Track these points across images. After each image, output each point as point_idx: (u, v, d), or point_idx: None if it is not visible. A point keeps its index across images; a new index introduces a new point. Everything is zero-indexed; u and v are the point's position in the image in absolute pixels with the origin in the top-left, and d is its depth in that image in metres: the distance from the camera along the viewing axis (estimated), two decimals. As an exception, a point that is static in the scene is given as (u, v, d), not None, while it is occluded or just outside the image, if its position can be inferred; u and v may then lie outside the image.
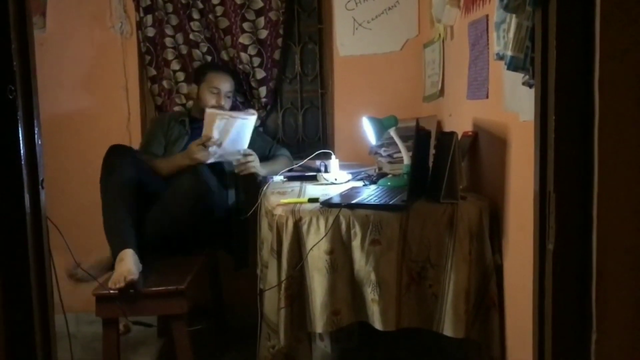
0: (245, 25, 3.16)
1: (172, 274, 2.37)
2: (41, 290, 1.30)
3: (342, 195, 2.27)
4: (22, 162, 1.23)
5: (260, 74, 3.20)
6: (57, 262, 1.49)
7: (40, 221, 1.28)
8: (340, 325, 2.04)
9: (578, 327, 1.29)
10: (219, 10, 3.16)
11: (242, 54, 3.17)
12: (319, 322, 2.01)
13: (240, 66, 3.18)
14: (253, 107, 3.22)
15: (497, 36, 1.77)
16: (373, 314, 2.01)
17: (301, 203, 2.12)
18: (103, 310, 2.25)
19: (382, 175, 2.66)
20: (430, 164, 2.29)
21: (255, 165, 2.84)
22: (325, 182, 2.65)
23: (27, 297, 1.26)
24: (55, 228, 1.54)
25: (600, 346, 1.25)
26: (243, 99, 3.25)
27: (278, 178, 2.77)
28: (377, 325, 2.01)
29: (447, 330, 2.01)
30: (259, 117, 3.27)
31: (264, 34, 3.19)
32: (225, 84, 2.98)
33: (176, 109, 3.25)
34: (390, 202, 2.09)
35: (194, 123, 2.98)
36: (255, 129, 2.94)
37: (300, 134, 3.39)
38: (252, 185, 2.89)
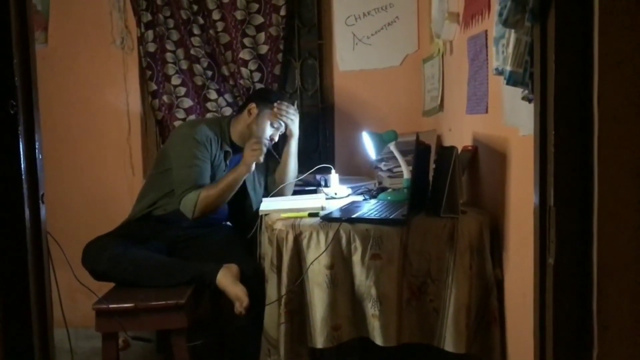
0: (246, 41, 3.18)
1: (172, 287, 2.36)
2: (41, 305, 1.29)
3: (342, 209, 2.27)
4: (23, 177, 1.23)
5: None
6: (56, 277, 1.49)
7: (40, 236, 1.28)
8: (340, 340, 2.03)
9: (579, 342, 1.28)
10: (220, 25, 3.18)
11: (243, 69, 3.18)
12: (319, 337, 2.00)
13: (241, 81, 3.20)
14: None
15: (496, 51, 1.78)
16: (374, 329, 2.00)
17: (301, 217, 2.12)
18: (102, 325, 2.24)
19: (382, 189, 2.66)
20: (431, 179, 2.29)
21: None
22: (326, 196, 2.65)
23: (26, 312, 1.26)
24: (56, 243, 1.53)
25: (602, 361, 1.25)
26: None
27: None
28: (378, 340, 2.00)
29: (448, 345, 2.00)
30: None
31: (264, 49, 3.20)
32: (287, 121, 2.73)
33: (177, 124, 3.25)
34: (391, 217, 2.08)
35: (234, 152, 2.73)
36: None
37: (300, 149, 3.38)
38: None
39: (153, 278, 2.39)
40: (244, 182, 2.65)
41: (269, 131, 2.68)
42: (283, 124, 2.71)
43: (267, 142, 2.67)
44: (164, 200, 2.63)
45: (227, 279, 2.32)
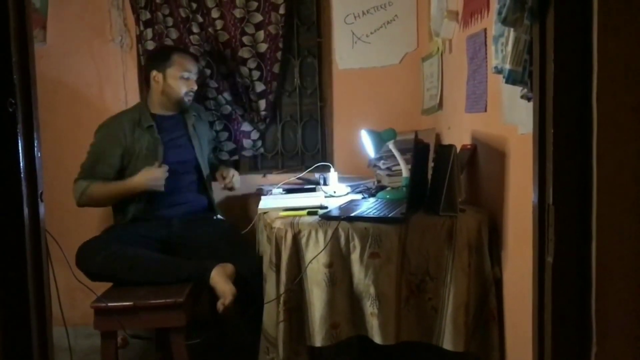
0: (245, 39, 3.18)
1: (170, 286, 2.36)
2: (39, 303, 1.29)
3: (341, 208, 2.27)
4: (22, 175, 1.23)
5: (259, 87, 3.21)
6: (55, 275, 1.49)
7: (39, 234, 1.28)
8: (339, 339, 2.03)
9: (578, 341, 1.28)
10: (219, 24, 3.17)
11: (242, 68, 3.18)
12: (318, 335, 2.00)
13: (240, 79, 3.19)
14: (252, 120, 3.23)
15: (495, 50, 1.78)
16: (372, 327, 2.00)
17: (300, 216, 2.12)
18: (101, 323, 2.24)
19: (381, 187, 2.66)
20: (429, 177, 2.29)
21: (237, 179, 2.85)
22: (324, 194, 2.66)
23: (25, 310, 1.26)
24: (54, 241, 1.53)
25: (600, 359, 1.25)
26: (242, 112, 3.25)
27: (277, 191, 2.76)
28: (377, 339, 2.00)
29: (447, 343, 2.00)
30: (258, 130, 3.28)
31: (263, 47, 3.20)
32: (195, 67, 2.82)
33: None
34: (389, 215, 2.09)
35: (162, 122, 2.79)
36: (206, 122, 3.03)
37: (299, 147, 3.39)
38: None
39: (148, 276, 2.40)
40: (191, 144, 2.83)
41: (183, 86, 2.75)
42: (193, 70, 2.78)
43: (189, 95, 2.78)
44: (137, 205, 2.69)
45: (219, 277, 2.35)
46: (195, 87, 2.81)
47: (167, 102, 2.79)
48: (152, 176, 2.59)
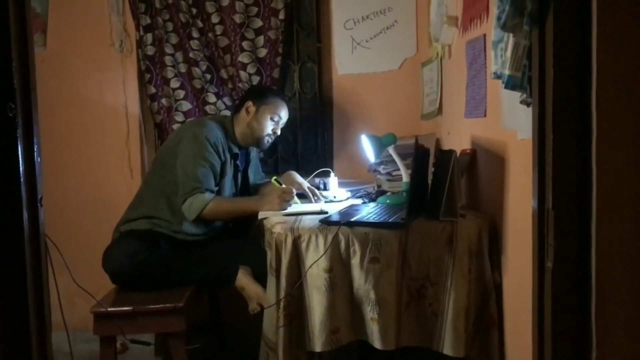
0: (245, 44, 3.18)
1: (170, 291, 2.35)
2: (39, 309, 1.29)
3: (341, 213, 2.27)
4: (21, 180, 1.23)
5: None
6: (53, 281, 1.49)
7: (38, 239, 1.28)
8: (339, 344, 2.02)
9: (578, 346, 1.28)
10: (219, 29, 3.18)
11: (242, 72, 3.18)
12: (317, 340, 1.99)
13: (240, 84, 3.20)
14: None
15: (495, 55, 1.78)
16: (372, 332, 2.00)
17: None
18: (101, 328, 2.23)
19: (381, 192, 2.66)
20: (429, 182, 2.29)
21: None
22: (325, 199, 2.65)
23: (24, 315, 1.26)
24: (54, 246, 1.53)
25: (601, 365, 1.25)
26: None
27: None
28: (377, 344, 2.00)
29: (447, 349, 1.99)
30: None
31: (263, 52, 3.20)
32: (286, 115, 2.80)
33: (176, 127, 3.25)
34: (390, 220, 2.08)
35: (241, 154, 2.79)
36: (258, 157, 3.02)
37: (299, 152, 3.39)
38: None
39: (180, 277, 2.44)
40: (246, 178, 2.79)
41: (269, 126, 2.71)
42: (283, 117, 2.76)
43: (270, 137, 2.74)
44: (173, 218, 2.58)
45: (246, 278, 2.39)
46: (278, 133, 2.78)
47: (249, 136, 2.72)
48: (285, 200, 2.45)
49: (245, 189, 2.84)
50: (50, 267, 1.38)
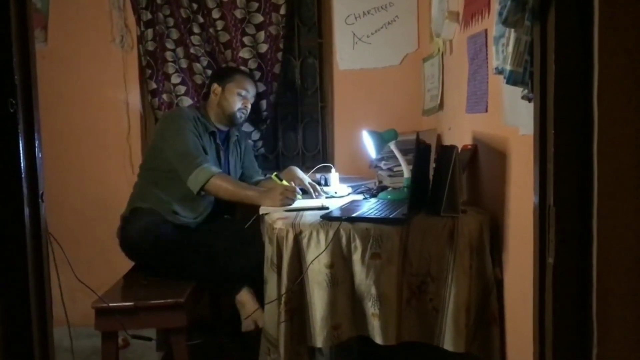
0: (246, 40, 3.18)
1: (171, 286, 2.36)
2: (40, 305, 1.29)
3: (342, 208, 2.27)
4: (22, 175, 1.23)
5: (260, 87, 3.21)
6: (54, 276, 1.49)
7: (40, 235, 1.28)
8: (340, 339, 2.03)
9: (579, 342, 1.28)
10: (220, 24, 3.17)
11: (242, 68, 3.18)
12: (319, 336, 2.00)
13: (241, 80, 3.19)
14: (253, 121, 3.23)
15: (496, 50, 1.78)
16: (373, 328, 2.00)
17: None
18: (102, 323, 2.24)
19: (382, 188, 2.66)
20: (431, 178, 2.29)
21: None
22: (326, 195, 2.65)
23: (26, 311, 1.26)
24: (55, 242, 1.53)
25: (602, 361, 1.25)
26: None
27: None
28: (378, 339, 2.00)
29: (448, 344, 2.00)
30: (259, 130, 3.28)
31: (264, 48, 3.20)
32: (252, 89, 2.94)
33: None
34: (391, 216, 2.08)
35: (220, 134, 2.88)
36: (249, 147, 3.07)
37: (300, 147, 3.39)
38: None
39: (190, 269, 2.49)
40: (228, 161, 2.89)
41: (238, 102, 2.84)
42: (250, 90, 2.90)
43: (241, 112, 2.87)
44: (178, 206, 2.67)
45: (248, 296, 2.44)
46: (249, 107, 2.91)
47: (222, 115, 2.86)
48: (287, 198, 2.45)
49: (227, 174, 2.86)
50: (53, 263, 1.38)
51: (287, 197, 2.44)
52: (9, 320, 1.25)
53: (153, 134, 2.85)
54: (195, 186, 2.55)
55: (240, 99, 2.85)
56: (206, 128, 2.78)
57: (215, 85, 2.88)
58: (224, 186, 2.56)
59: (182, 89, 3.25)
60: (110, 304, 2.21)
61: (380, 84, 3.26)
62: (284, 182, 2.62)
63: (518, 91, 1.62)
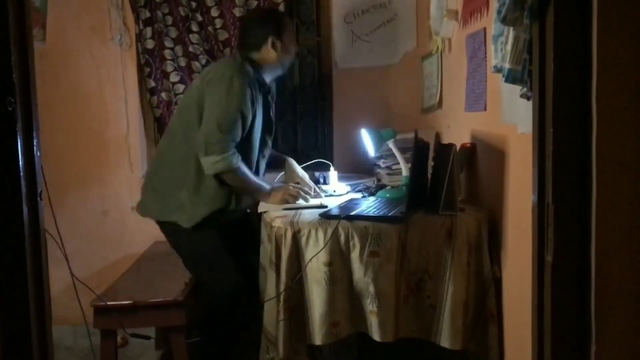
0: (245, 38, 3.17)
1: (170, 284, 2.36)
2: (39, 303, 1.29)
3: (341, 206, 2.27)
4: (21, 174, 1.23)
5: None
6: (54, 274, 1.49)
7: (38, 233, 1.28)
8: (339, 336, 2.03)
9: (577, 339, 1.28)
10: (218, 22, 3.17)
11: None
12: (318, 334, 2.00)
13: (239, 78, 3.19)
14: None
15: (495, 49, 1.78)
16: (372, 325, 2.01)
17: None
18: (101, 322, 2.24)
19: (380, 186, 2.66)
20: (429, 176, 2.29)
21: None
22: (324, 193, 2.65)
23: (25, 310, 1.26)
24: (53, 240, 1.53)
25: (600, 358, 1.25)
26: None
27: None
28: (376, 336, 2.00)
29: (445, 341, 2.00)
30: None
31: (262, 46, 3.19)
32: None
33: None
34: (389, 214, 2.09)
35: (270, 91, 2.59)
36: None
37: (298, 146, 3.39)
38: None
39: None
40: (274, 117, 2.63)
41: (293, 52, 2.59)
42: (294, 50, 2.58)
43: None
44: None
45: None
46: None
47: (279, 70, 2.55)
48: (292, 196, 2.41)
49: (271, 129, 2.64)
50: (66, 261, 1.39)
51: (292, 195, 2.39)
52: (8, 318, 1.26)
53: (195, 85, 2.50)
54: (209, 168, 2.32)
55: (295, 48, 2.58)
56: (262, 86, 2.47)
57: (272, 39, 2.45)
58: (237, 179, 2.37)
59: (180, 87, 3.25)
60: (109, 303, 2.21)
61: (378, 82, 3.26)
62: (291, 186, 2.50)
63: (517, 89, 1.62)
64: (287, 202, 2.38)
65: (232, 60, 2.47)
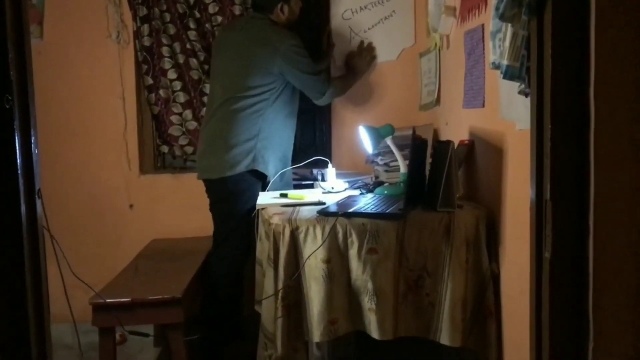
0: (242, 35, 3.16)
1: (168, 282, 2.36)
2: (37, 300, 1.29)
3: (338, 203, 2.27)
4: (19, 172, 1.23)
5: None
6: (52, 272, 1.49)
7: (36, 231, 1.28)
8: (337, 334, 2.03)
9: (575, 336, 1.29)
10: (216, 19, 3.17)
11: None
12: (316, 331, 2.00)
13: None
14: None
15: (493, 45, 1.78)
16: (370, 323, 2.01)
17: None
18: (100, 319, 2.24)
19: (378, 183, 2.66)
20: (427, 173, 2.29)
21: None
22: (322, 190, 2.65)
23: (23, 308, 1.26)
24: (52, 238, 1.53)
25: (598, 354, 1.25)
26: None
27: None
28: (374, 334, 2.00)
29: (444, 339, 2.00)
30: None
31: (260, 43, 3.18)
32: None
33: (174, 118, 3.25)
34: (387, 211, 2.09)
35: None
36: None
37: (297, 143, 3.38)
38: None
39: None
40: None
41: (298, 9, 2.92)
42: None
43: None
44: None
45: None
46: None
47: (288, 25, 2.90)
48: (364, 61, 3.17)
49: None
50: (56, 259, 1.39)
51: (368, 60, 3.15)
52: (6, 316, 1.25)
53: (248, 48, 2.75)
54: (324, 101, 2.87)
55: (299, 8, 2.90)
56: None
57: (281, 5, 2.81)
58: (341, 90, 2.96)
59: (178, 84, 3.25)
60: (107, 300, 2.21)
61: (376, 79, 3.26)
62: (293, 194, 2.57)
63: (515, 86, 1.62)
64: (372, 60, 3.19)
65: (266, 20, 2.82)
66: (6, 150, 1.22)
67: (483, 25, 2.08)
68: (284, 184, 2.77)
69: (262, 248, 2.27)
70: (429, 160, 2.32)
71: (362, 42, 3.17)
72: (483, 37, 2.08)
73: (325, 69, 3.11)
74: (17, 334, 1.26)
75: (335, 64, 3.19)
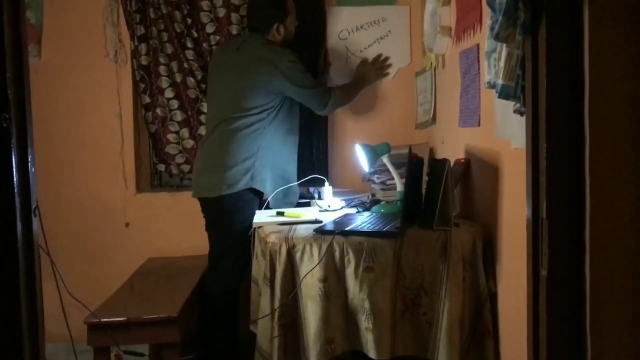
0: (240, 54, 3.18)
1: (164, 301, 2.34)
2: (32, 319, 1.28)
3: (335, 222, 2.27)
4: (15, 190, 1.23)
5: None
6: (48, 291, 1.48)
7: (32, 249, 1.28)
8: (334, 354, 2.02)
9: (573, 354, 1.28)
10: (214, 39, 3.18)
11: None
12: (312, 351, 1.98)
13: (234, 94, 3.19)
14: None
15: (488, 65, 1.79)
16: (367, 342, 1.99)
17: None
18: (95, 339, 2.22)
19: (375, 202, 2.66)
20: (423, 191, 2.29)
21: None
22: (319, 208, 2.65)
23: (17, 326, 1.25)
24: (48, 257, 1.52)
25: (596, 373, 1.25)
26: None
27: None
28: (372, 353, 1.99)
29: (442, 358, 1.99)
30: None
31: (257, 62, 3.20)
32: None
33: (171, 137, 3.25)
34: (384, 229, 2.09)
35: None
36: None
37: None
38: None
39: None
40: None
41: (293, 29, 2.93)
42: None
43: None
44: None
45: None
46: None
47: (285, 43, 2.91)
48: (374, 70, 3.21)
49: None
50: (55, 277, 1.38)
51: (379, 69, 3.17)
52: (0, 334, 1.24)
53: (245, 69, 2.75)
54: (328, 111, 2.92)
55: (294, 27, 2.91)
56: None
57: (277, 26, 2.81)
58: (346, 98, 2.97)
59: (175, 103, 3.25)
60: (103, 319, 2.19)
61: (373, 98, 3.28)
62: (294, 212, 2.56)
63: (510, 105, 1.63)
64: (381, 71, 3.22)
65: (262, 40, 2.82)
66: (3, 168, 1.22)
67: (478, 45, 2.10)
68: (287, 202, 2.77)
69: (258, 267, 2.26)
70: (425, 178, 2.33)
71: (379, 55, 3.21)
72: (478, 56, 2.10)
73: (324, 84, 3.11)
74: (12, 353, 1.25)
75: (332, 82, 3.21)
